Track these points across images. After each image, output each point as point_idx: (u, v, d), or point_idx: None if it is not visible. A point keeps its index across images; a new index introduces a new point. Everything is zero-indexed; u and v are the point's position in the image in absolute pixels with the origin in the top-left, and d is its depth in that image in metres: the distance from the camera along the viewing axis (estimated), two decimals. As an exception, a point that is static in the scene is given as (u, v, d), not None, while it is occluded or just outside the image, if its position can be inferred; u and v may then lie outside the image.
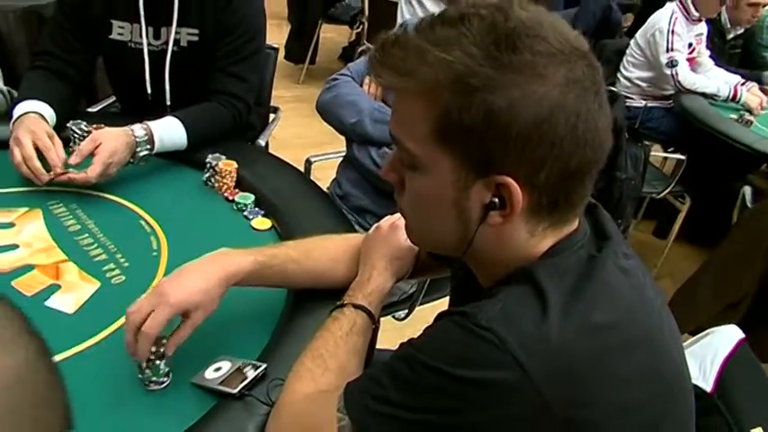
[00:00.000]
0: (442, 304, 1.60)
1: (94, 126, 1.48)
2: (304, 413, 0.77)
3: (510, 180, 0.64)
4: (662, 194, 2.78)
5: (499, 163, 0.64)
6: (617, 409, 0.65)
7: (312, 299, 1.04)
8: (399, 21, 2.68)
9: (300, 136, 3.64)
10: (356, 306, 0.92)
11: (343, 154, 1.79)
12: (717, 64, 3.26)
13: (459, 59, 0.62)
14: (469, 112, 0.62)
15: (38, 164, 1.30)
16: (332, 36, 5.23)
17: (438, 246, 0.79)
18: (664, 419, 0.70)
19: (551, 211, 0.69)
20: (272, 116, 2.14)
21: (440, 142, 0.65)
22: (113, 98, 2.12)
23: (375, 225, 1.05)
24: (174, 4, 1.56)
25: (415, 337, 0.71)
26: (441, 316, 0.70)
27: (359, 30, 4.63)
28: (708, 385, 0.98)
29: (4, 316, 0.25)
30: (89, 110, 1.99)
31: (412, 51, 0.64)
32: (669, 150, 3.08)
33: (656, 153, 2.94)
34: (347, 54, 4.64)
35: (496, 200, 0.66)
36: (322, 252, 1.06)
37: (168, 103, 1.65)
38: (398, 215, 1.04)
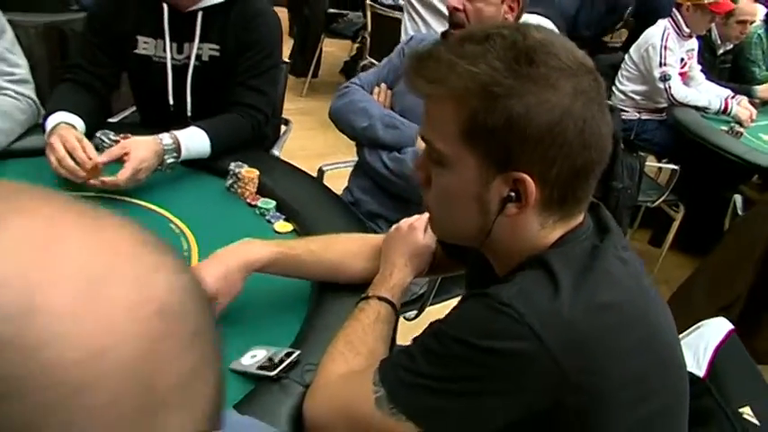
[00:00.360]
0: (451, 305, 1.69)
1: (122, 135, 1.57)
2: (340, 390, 0.85)
3: (526, 176, 0.74)
4: (656, 203, 2.88)
5: (516, 160, 0.74)
6: (621, 381, 0.74)
7: (337, 292, 1.13)
8: (403, 36, 2.78)
9: (305, 148, 3.73)
10: (380, 298, 1.00)
11: (354, 162, 1.88)
12: (708, 78, 3.38)
13: (484, 71, 0.72)
14: (493, 116, 0.72)
15: (71, 163, 1.38)
16: (332, 50, 5.34)
17: (459, 236, 0.88)
18: (660, 394, 0.79)
19: (560, 205, 0.79)
20: (283, 128, 2.24)
21: (466, 142, 0.75)
22: (131, 109, 2.21)
23: (394, 226, 1.14)
24: (197, 21, 1.65)
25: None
26: (464, 298, 0.79)
27: (359, 44, 4.75)
28: (701, 371, 1.07)
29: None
30: (109, 120, 2.08)
31: (444, 64, 0.74)
32: (663, 161, 3.19)
33: (651, 163, 3.04)
34: (348, 68, 4.75)
35: (513, 193, 0.76)
36: (341, 247, 1.15)
37: (189, 114, 1.74)
38: (416, 217, 1.13)
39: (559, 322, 0.71)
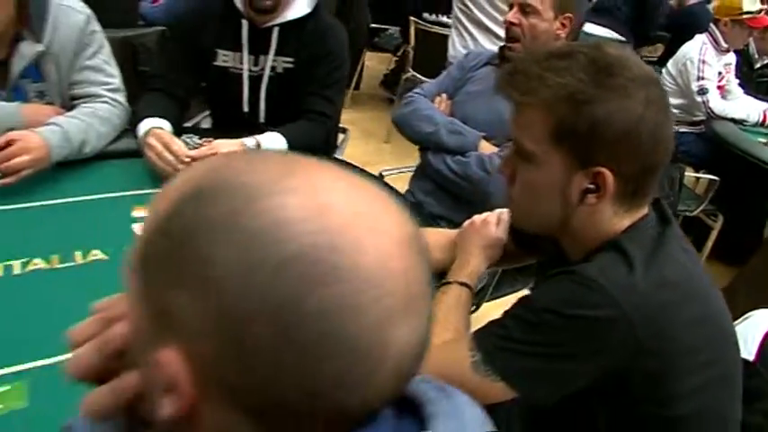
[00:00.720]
0: (506, 301, 1.81)
1: (205, 140, 1.72)
2: (436, 357, 0.94)
3: (605, 170, 0.86)
4: (695, 212, 2.96)
5: (597, 158, 0.86)
6: (684, 348, 0.86)
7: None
8: (451, 52, 2.90)
9: (349, 156, 3.88)
10: (460, 283, 1.12)
11: (409, 168, 2.01)
12: (745, 92, 3.45)
13: (570, 82, 0.84)
14: (579, 121, 0.84)
15: (169, 156, 1.54)
16: (372, 63, 5.50)
17: (541, 225, 1.00)
18: (717, 364, 0.90)
19: (631, 197, 0.91)
20: (341, 136, 2.38)
21: (554, 142, 0.87)
22: (199, 117, 2.37)
23: (469, 220, 1.26)
24: (273, 36, 1.80)
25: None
26: (549, 277, 0.91)
27: (398, 58, 4.90)
28: (751, 356, 1.18)
29: None
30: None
31: (534, 77, 0.87)
32: (701, 172, 3.26)
33: (690, 174, 3.12)
34: (388, 80, 4.89)
35: (593, 186, 0.88)
36: None
37: (262, 120, 1.89)
38: (487, 213, 1.25)
39: (635, 295, 0.82)
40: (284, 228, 0.39)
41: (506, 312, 0.91)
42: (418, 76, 3.99)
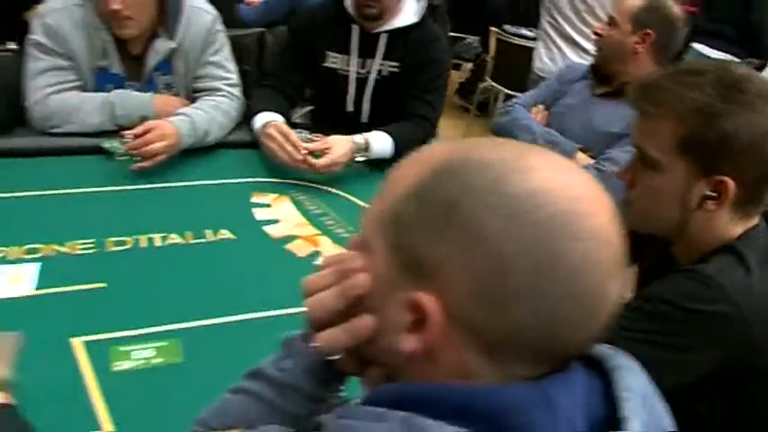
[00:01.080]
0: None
1: (316, 136, 1.84)
2: None
3: (728, 179, 0.93)
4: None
5: (722, 167, 0.93)
6: None
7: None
8: (537, 64, 2.96)
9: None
10: None
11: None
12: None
13: (700, 97, 0.91)
14: (708, 133, 0.91)
15: (289, 147, 1.66)
16: (446, 72, 5.59)
17: (658, 228, 1.05)
18: None
19: (746, 204, 0.97)
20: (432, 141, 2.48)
21: (680, 152, 0.94)
22: (300, 111, 2.51)
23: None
24: (381, 42, 1.92)
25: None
26: (665, 275, 0.98)
27: (474, 67, 4.97)
28: None
29: None
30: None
31: (666, 89, 0.94)
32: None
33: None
34: (464, 89, 4.97)
35: (713, 193, 0.94)
36: None
37: (365, 120, 2.00)
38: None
39: (752, 296, 0.89)
40: (538, 195, 0.47)
41: (625, 304, 0.98)
42: (496, 85, 4.07)
